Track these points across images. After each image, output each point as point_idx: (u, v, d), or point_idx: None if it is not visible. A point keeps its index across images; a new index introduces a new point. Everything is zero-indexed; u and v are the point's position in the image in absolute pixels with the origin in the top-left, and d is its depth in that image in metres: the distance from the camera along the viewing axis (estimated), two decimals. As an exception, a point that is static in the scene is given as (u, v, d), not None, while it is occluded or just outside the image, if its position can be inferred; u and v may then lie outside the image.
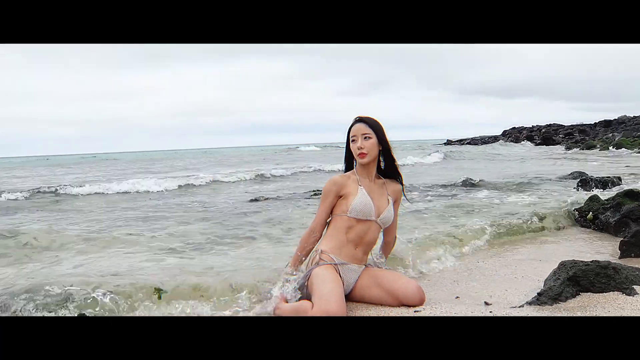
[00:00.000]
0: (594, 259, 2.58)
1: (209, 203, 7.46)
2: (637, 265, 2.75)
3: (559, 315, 2.21)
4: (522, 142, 33.50)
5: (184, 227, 5.10)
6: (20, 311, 2.38)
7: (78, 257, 3.81)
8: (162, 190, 9.94)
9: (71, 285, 2.54)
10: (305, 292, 2.50)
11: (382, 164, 2.70)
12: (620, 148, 20.24)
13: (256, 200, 7.52)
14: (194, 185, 10.91)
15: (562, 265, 2.57)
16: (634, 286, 2.43)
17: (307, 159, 20.92)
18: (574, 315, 2.19)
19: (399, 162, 2.75)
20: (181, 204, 7.41)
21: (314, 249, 2.62)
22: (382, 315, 2.38)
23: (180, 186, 10.55)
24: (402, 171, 2.78)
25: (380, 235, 2.77)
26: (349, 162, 2.74)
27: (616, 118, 35.80)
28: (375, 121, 2.64)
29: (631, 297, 2.34)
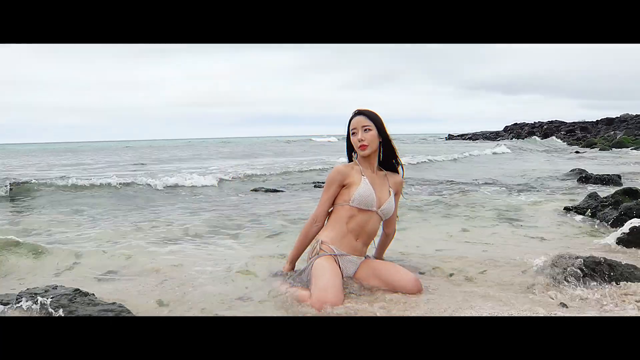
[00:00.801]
0: (590, 255, 2.60)
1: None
2: (631, 262, 2.76)
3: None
4: (551, 137, 31.60)
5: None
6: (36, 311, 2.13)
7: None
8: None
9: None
10: (307, 282, 2.51)
11: (382, 156, 2.72)
12: (621, 146, 20.23)
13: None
14: (297, 171, 10.87)
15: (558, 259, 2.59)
16: (629, 283, 2.45)
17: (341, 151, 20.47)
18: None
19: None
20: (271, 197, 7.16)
21: (314, 239, 2.64)
22: (381, 316, 2.37)
23: (249, 176, 10.24)
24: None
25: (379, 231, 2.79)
26: (350, 154, 2.76)
27: (619, 116, 35.76)
28: (375, 113, 2.66)
29: (625, 293, 2.36)
